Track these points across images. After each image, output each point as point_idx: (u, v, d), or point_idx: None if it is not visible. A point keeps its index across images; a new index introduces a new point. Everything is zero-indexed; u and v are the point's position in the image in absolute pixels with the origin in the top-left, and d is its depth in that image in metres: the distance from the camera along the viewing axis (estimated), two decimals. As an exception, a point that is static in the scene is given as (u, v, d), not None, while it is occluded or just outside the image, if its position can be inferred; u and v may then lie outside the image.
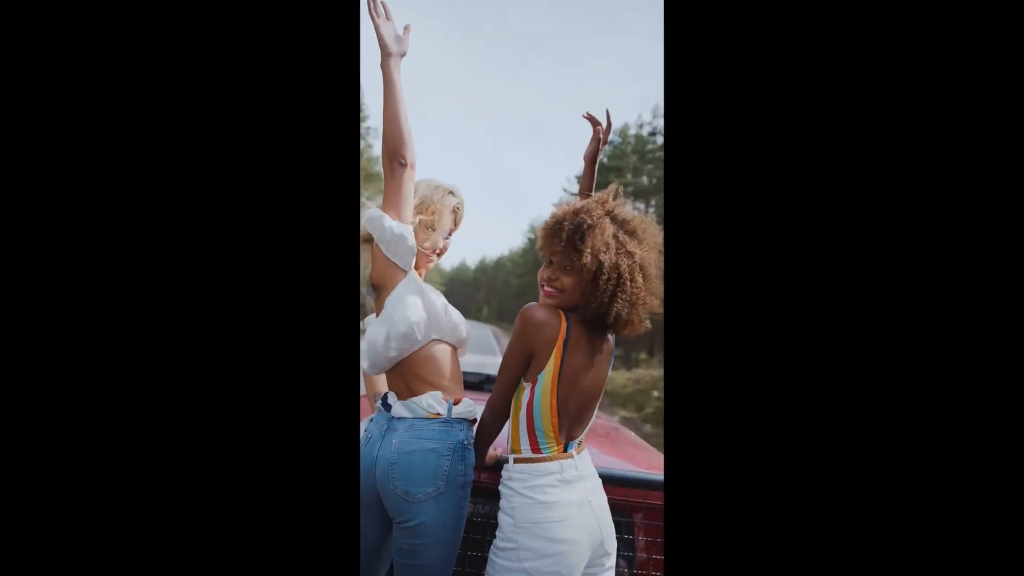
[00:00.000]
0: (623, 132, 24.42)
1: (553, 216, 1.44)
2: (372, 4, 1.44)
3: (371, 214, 1.45)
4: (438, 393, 1.46)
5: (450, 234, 1.62)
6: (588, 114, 1.76)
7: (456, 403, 1.47)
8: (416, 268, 1.51)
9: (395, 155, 1.43)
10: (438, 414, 1.44)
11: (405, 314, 1.42)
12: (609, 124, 1.76)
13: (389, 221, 1.43)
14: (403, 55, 1.46)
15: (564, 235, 1.38)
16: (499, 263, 73.98)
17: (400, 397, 1.49)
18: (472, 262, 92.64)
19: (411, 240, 1.45)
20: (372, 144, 19.80)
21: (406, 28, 1.48)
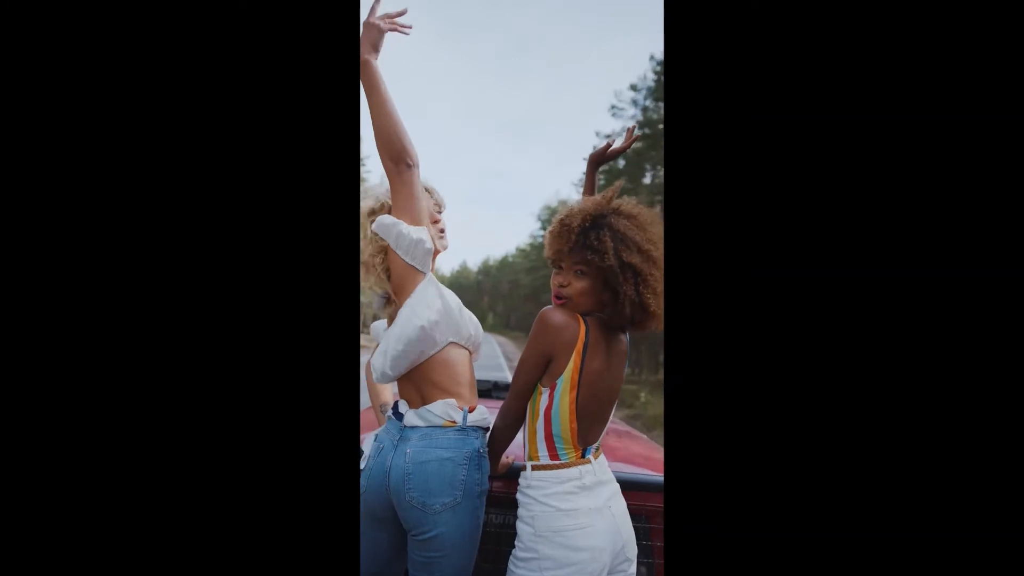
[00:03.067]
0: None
1: (558, 219, 1.49)
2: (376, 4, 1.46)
3: (384, 221, 1.48)
4: (452, 400, 1.49)
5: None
6: (632, 130, 1.87)
7: (471, 410, 1.51)
8: None
9: (400, 158, 1.43)
10: (453, 422, 1.47)
11: (427, 314, 1.46)
12: (630, 142, 1.85)
13: (405, 226, 1.46)
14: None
15: (573, 236, 1.43)
16: (504, 263, 72.03)
17: (412, 405, 1.53)
18: (474, 264, 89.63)
19: (429, 242, 1.48)
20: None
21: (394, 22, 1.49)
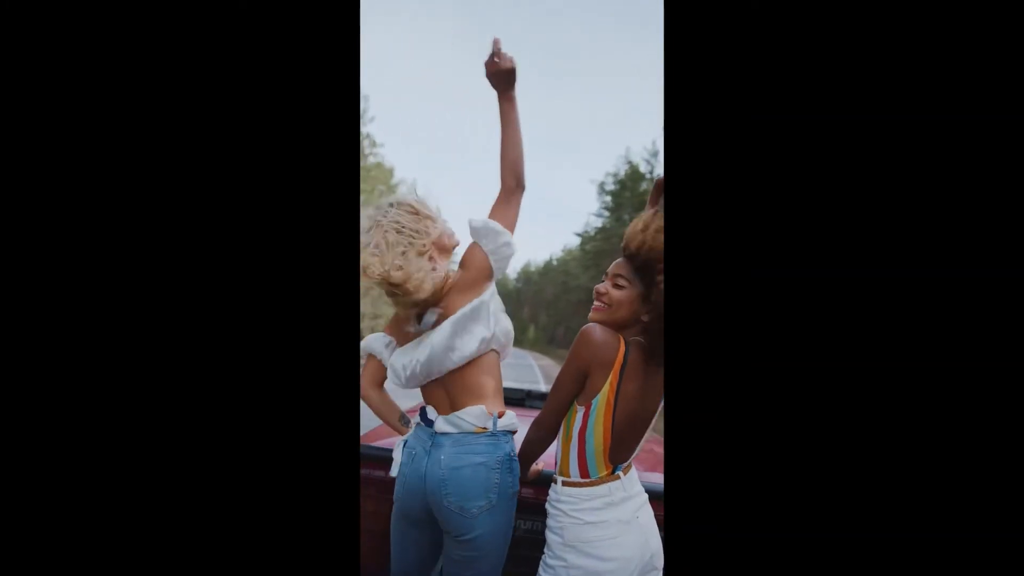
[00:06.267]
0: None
1: (640, 220, 1.58)
2: (498, 48, 1.63)
3: (493, 225, 1.63)
4: (482, 407, 1.61)
5: None
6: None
7: (500, 416, 1.62)
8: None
9: (520, 180, 1.65)
10: (484, 428, 1.58)
11: (490, 321, 1.62)
12: None
13: (510, 236, 1.64)
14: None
15: (632, 246, 1.53)
16: (548, 267, 68.21)
17: (440, 411, 1.65)
18: (512, 271, 75.99)
19: (515, 247, 1.66)
20: (368, 154, 22.63)
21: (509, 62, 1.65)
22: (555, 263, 63.69)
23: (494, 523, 1.54)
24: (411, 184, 1.85)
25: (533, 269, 77.10)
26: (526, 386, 3.40)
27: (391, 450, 1.80)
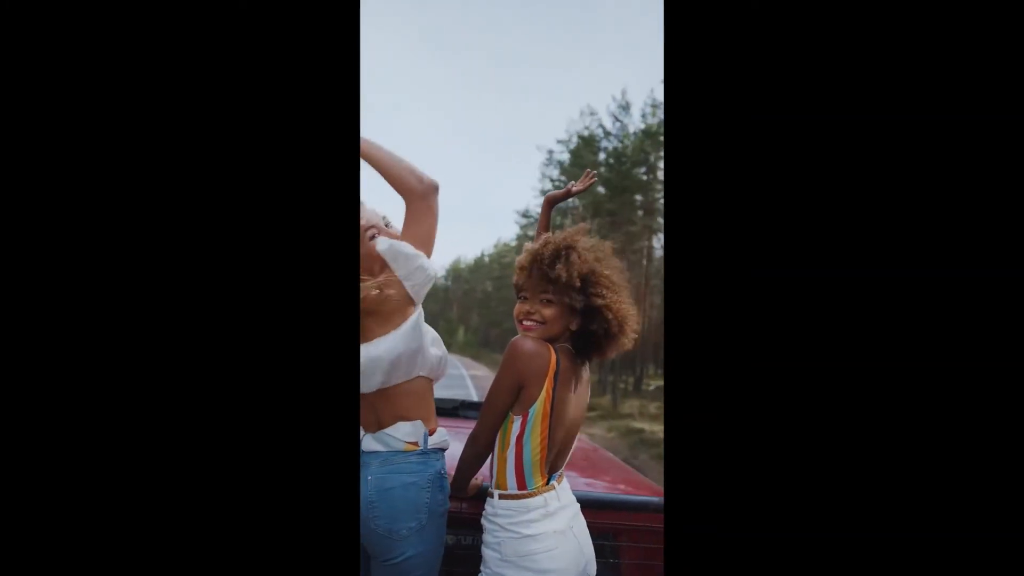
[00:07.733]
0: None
1: (527, 251, 1.63)
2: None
3: (403, 250, 1.52)
4: (415, 422, 1.57)
5: None
6: (590, 173, 2.16)
7: (431, 433, 1.59)
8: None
9: (421, 178, 1.54)
10: (416, 443, 1.55)
11: (410, 345, 1.54)
12: (588, 186, 2.12)
13: (425, 259, 1.54)
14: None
15: (544, 265, 1.57)
16: (479, 264, 65.45)
17: (367, 429, 1.58)
18: (440, 268, 68.81)
19: (431, 271, 1.56)
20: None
21: None
22: (487, 259, 61.49)
23: (424, 543, 1.51)
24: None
25: (463, 266, 74.26)
26: (460, 395, 3.41)
27: None
